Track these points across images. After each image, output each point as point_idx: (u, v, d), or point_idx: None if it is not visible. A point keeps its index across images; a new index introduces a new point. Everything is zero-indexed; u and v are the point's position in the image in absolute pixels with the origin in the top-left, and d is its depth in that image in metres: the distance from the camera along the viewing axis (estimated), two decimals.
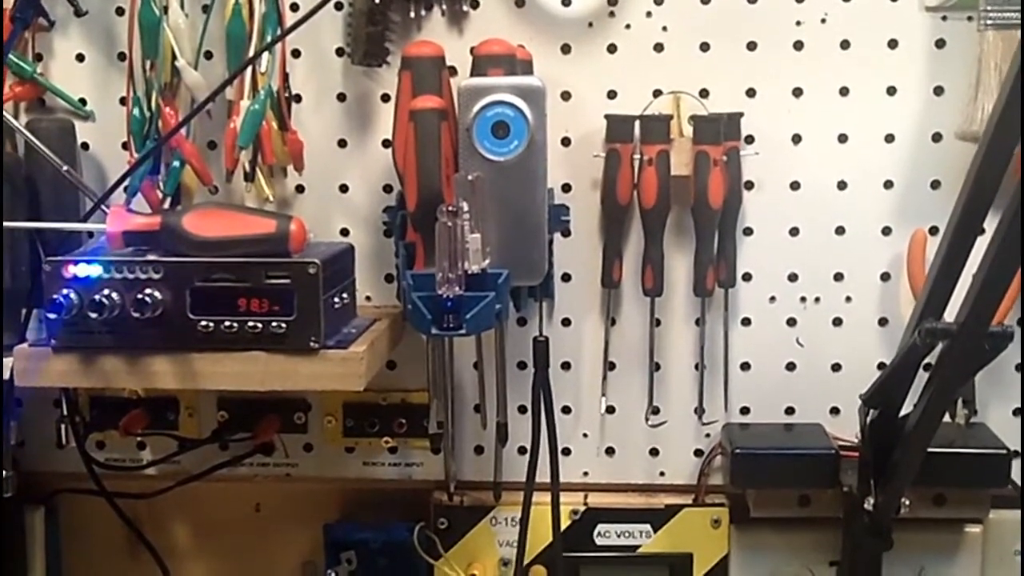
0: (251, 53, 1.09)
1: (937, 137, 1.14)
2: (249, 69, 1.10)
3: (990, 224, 0.92)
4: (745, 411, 1.20)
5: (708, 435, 1.20)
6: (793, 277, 1.18)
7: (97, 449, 1.24)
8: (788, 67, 1.14)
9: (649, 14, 1.15)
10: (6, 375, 1.03)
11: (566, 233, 1.17)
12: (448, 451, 1.17)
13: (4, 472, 1.15)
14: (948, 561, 1.16)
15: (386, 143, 1.17)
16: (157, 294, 0.97)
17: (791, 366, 1.19)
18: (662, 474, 1.21)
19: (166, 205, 1.14)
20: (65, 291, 0.97)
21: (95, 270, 0.97)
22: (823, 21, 1.13)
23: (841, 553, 1.13)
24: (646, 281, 1.16)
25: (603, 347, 1.19)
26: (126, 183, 1.11)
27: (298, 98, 1.17)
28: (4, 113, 1.12)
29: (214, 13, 1.13)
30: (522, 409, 1.19)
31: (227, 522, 1.27)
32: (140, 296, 0.97)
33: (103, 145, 1.20)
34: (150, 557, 1.26)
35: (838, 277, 1.17)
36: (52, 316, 0.97)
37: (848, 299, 1.17)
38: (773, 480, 1.14)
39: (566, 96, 1.16)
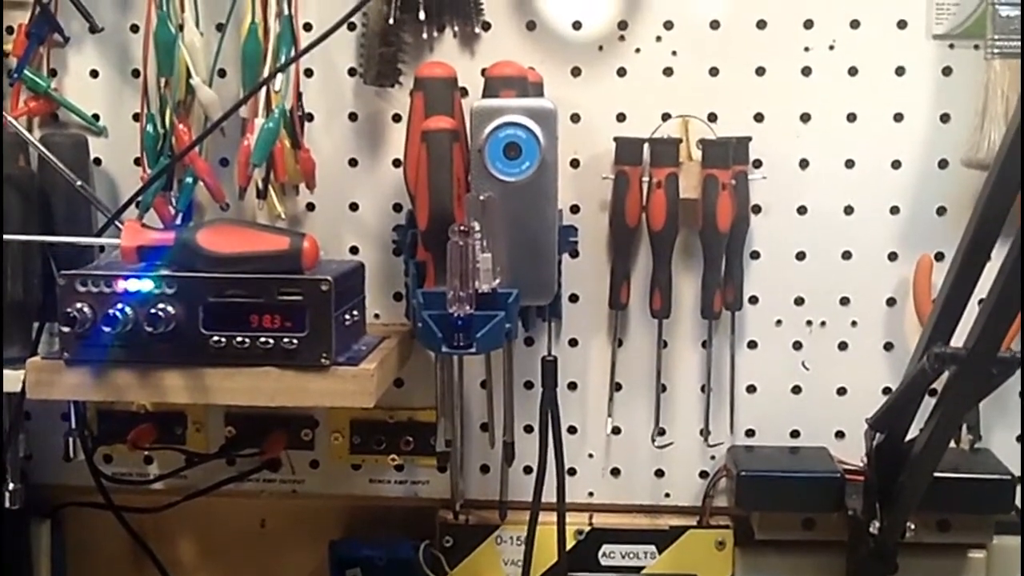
0: (266, 72, 1.10)
1: (943, 164, 1.15)
2: (263, 88, 1.10)
3: (999, 251, 0.92)
4: (750, 433, 1.20)
5: (713, 457, 1.21)
6: (799, 301, 1.18)
7: (104, 463, 1.24)
8: (796, 92, 1.15)
9: (659, 38, 1.16)
10: (16, 387, 1.04)
11: (574, 254, 1.18)
12: (455, 469, 1.17)
13: (11, 485, 1.15)
14: None
15: (397, 162, 1.18)
16: (170, 309, 0.98)
17: (797, 389, 1.20)
18: (667, 495, 1.22)
19: (178, 221, 1.15)
20: (78, 305, 0.97)
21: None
22: (831, 48, 1.15)
23: None
24: (654, 303, 1.16)
25: (610, 368, 1.19)
26: (139, 199, 1.12)
27: (311, 117, 1.18)
28: (18, 127, 1.13)
29: (229, 32, 1.14)
30: (528, 429, 1.19)
31: (233, 538, 1.27)
32: (153, 311, 0.97)
33: (116, 160, 1.21)
34: (156, 571, 1.26)
35: (844, 301, 1.18)
36: (66, 330, 0.98)
37: (854, 323, 1.18)
38: (778, 503, 1.14)
39: (576, 118, 1.17)
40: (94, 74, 1.20)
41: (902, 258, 1.17)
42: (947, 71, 1.14)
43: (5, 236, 1.06)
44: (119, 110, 1.20)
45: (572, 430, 1.21)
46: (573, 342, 1.20)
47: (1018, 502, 1.14)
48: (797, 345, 1.19)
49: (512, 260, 1.03)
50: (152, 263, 1.01)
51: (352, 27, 1.16)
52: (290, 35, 1.11)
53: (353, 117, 1.19)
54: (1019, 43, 1.08)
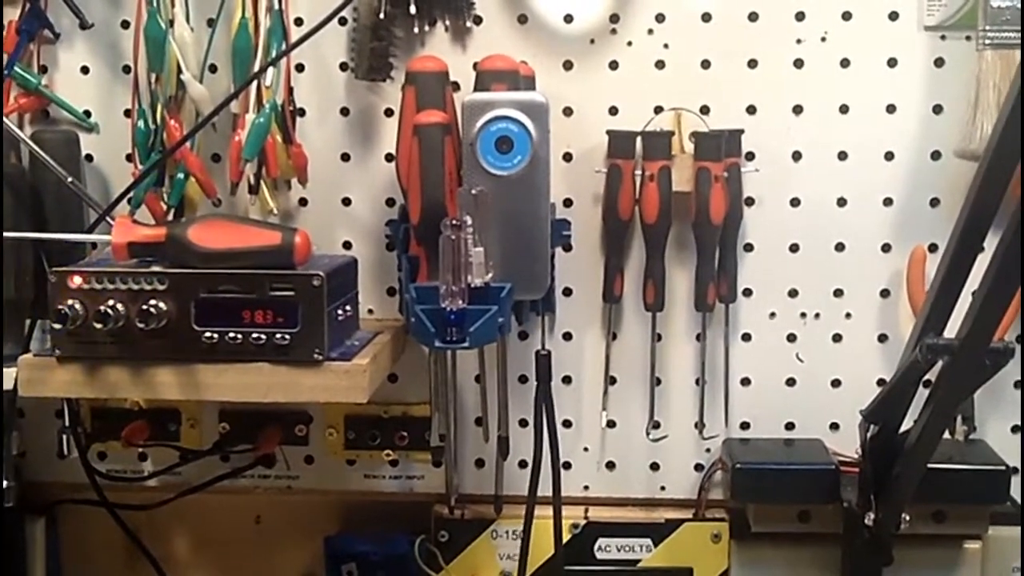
0: (256, 67, 1.10)
1: (936, 155, 1.15)
2: (254, 83, 1.10)
3: (991, 241, 0.92)
4: (745, 426, 1.20)
5: (708, 450, 1.21)
6: (793, 293, 1.18)
7: (98, 460, 1.24)
8: (788, 85, 1.15)
9: (651, 31, 1.16)
10: (8, 385, 1.03)
11: (567, 248, 1.18)
12: (449, 464, 1.17)
13: (5, 482, 1.15)
14: None
15: (389, 157, 1.18)
16: (162, 305, 0.98)
17: (791, 381, 1.19)
18: (663, 488, 1.22)
19: (170, 217, 1.15)
20: (70, 301, 0.97)
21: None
22: (823, 39, 1.14)
23: (841, 568, 1.13)
24: (647, 296, 1.16)
25: (604, 361, 1.19)
26: (130, 195, 1.12)
27: (302, 112, 1.18)
28: (9, 124, 1.13)
29: (219, 27, 1.14)
30: (523, 423, 1.19)
31: (227, 534, 1.27)
32: (145, 307, 0.97)
33: (107, 157, 1.20)
34: (150, 568, 1.25)
35: (838, 293, 1.18)
36: (57, 326, 0.98)
37: (848, 315, 1.18)
38: (773, 495, 1.14)
39: (568, 112, 1.17)
40: (85, 70, 1.20)
41: (895, 250, 1.16)
42: (939, 62, 1.14)
43: None
44: (110, 106, 1.19)
45: (567, 424, 1.21)
46: (567, 336, 1.20)
47: (1014, 493, 1.14)
48: (791, 337, 1.19)
49: (505, 254, 1.03)
50: (143, 259, 1.01)
51: (343, 21, 1.15)
52: (281, 30, 1.11)
53: (345, 112, 1.19)
54: (1011, 34, 1.08)
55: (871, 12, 1.14)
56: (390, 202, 1.19)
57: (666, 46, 1.15)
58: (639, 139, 1.14)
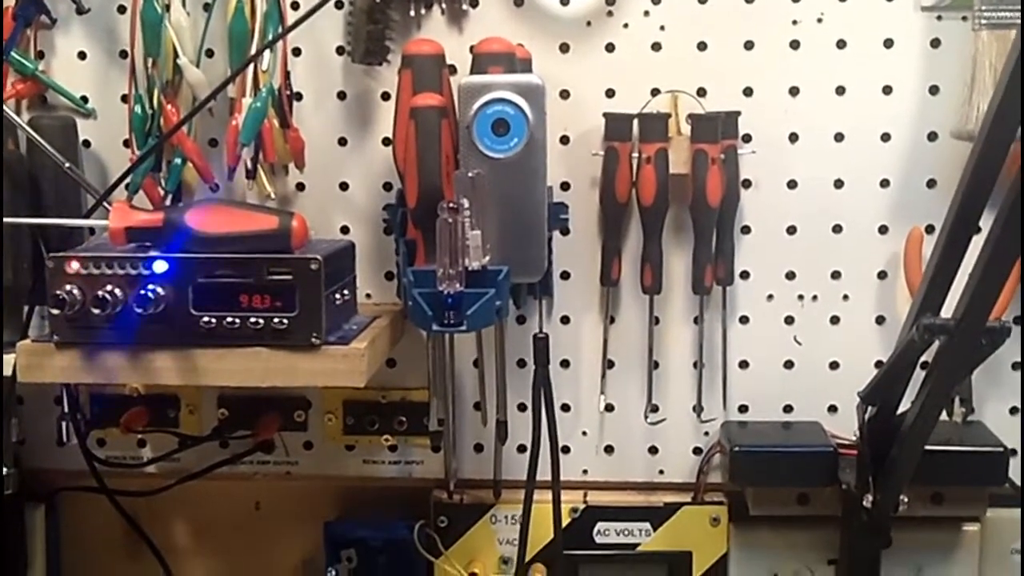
0: (253, 51, 1.10)
1: (933, 136, 1.15)
2: (251, 67, 1.10)
3: (986, 221, 0.92)
4: (744, 409, 1.20)
5: (707, 433, 1.21)
6: (791, 275, 1.18)
7: (98, 446, 1.24)
8: (785, 66, 1.15)
9: (647, 13, 1.15)
10: (7, 372, 1.04)
11: (565, 231, 1.18)
12: (448, 449, 1.17)
13: (5, 469, 1.15)
14: (946, 559, 1.17)
15: (386, 141, 1.18)
16: (160, 290, 0.97)
17: (789, 364, 1.19)
18: (661, 472, 1.22)
19: (167, 202, 1.15)
20: (68, 287, 0.97)
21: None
22: (819, 20, 1.14)
23: (840, 551, 1.14)
24: (645, 279, 1.16)
25: (602, 345, 1.19)
26: (128, 180, 1.12)
27: (299, 96, 1.17)
28: (6, 110, 1.13)
29: (216, 11, 1.13)
30: (521, 407, 1.19)
31: (227, 520, 1.27)
32: (143, 292, 0.97)
33: (105, 143, 1.20)
34: (150, 555, 1.26)
35: (835, 275, 1.18)
36: (55, 312, 0.98)
37: (845, 297, 1.18)
38: (772, 478, 1.14)
39: (565, 95, 1.17)
40: (82, 56, 1.19)
41: (893, 231, 1.16)
42: (935, 43, 1.14)
43: None
44: (107, 91, 1.19)
45: (565, 408, 1.21)
46: (565, 319, 1.20)
47: (1012, 474, 1.14)
48: (789, 320, 1.19)
49: (502, 237, 1.03)
50: (141, 244, 1.01)
51: (339, 5, 1.15)
52: (277, 14, 1.10)
53: (342, 96, 1.18)
54: (1007, 14, 1.07)
55: None
56: (387, 186, 1.19)
57: (662, 28, 1.15)
58: (636, 121, 1.13)
